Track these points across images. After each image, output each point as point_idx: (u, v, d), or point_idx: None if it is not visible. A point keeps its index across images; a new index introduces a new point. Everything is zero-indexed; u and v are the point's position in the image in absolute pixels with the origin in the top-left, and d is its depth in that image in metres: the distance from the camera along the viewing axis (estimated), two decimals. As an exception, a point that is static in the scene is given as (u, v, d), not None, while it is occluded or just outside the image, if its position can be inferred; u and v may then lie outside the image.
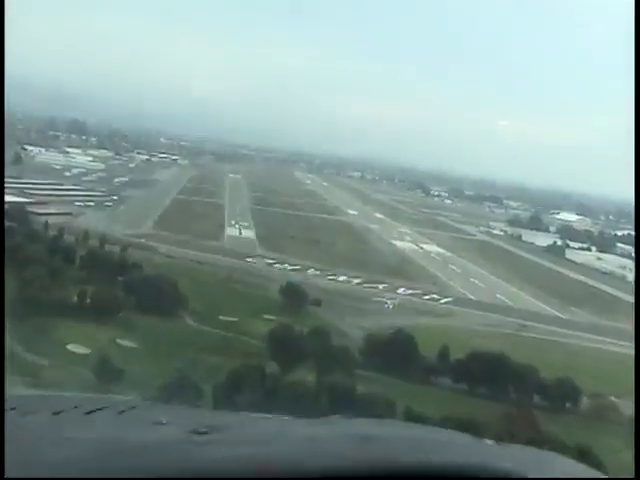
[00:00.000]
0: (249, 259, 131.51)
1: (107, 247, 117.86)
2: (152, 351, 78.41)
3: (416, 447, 1.71)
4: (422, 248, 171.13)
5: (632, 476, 1.74)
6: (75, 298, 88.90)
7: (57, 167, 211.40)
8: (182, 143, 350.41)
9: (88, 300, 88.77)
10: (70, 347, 77.11)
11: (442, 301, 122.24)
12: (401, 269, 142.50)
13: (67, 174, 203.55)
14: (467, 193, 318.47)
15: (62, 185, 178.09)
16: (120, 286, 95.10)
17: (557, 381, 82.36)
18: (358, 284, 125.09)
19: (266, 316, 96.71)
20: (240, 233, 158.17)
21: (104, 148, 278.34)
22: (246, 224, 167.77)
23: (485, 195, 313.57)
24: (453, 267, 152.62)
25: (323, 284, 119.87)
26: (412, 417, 58.45)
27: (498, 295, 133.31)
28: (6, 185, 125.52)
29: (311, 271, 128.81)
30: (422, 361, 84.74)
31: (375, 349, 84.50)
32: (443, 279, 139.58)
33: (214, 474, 1.51)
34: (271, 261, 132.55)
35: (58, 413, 1.77)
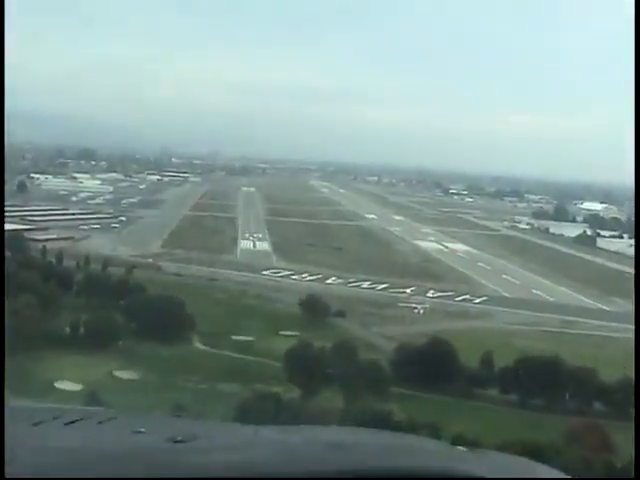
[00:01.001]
0: (265, 272, 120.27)
1: (110, 270, 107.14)
2: (153, 383, 67.35)
3: (385, 453, 1.71)
4: (447, 247, 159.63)
5: (632, 476, 1.50)
6: (68, 328, 78.16)
7: (63, 193, 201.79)
8: (194, 162, 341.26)
9: (82, 329, 77.94)
10: (58, 384, 65.96)
11: (476, 301, 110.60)
12: (428, 271, 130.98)
13: (74, 199, 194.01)
14: (487, 190, 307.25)
15: (67, 210, 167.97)
16: (120, 311, 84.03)
17: (618, 383, 70.20)
18: (383, 290, 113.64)
19: (285, 332, 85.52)
20: (254, 246, 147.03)
21: (114, 171, 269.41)
22: (260, 236, 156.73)
23: (505, 190, 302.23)
24: (482, 264, 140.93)
25: (346, 293, 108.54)
26: (465, 443, 46.70)
27: (534, 291, 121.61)
28: (6, 214, 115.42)
29: (332, 280, 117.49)
30: (463, 371, 72.98)
31: (409, 361, 72.76)
32: (474, 278, 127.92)
33: None
34: (289, 272, 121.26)
35: (38, 424, 1.79)
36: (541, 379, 70.59)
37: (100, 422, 2.08)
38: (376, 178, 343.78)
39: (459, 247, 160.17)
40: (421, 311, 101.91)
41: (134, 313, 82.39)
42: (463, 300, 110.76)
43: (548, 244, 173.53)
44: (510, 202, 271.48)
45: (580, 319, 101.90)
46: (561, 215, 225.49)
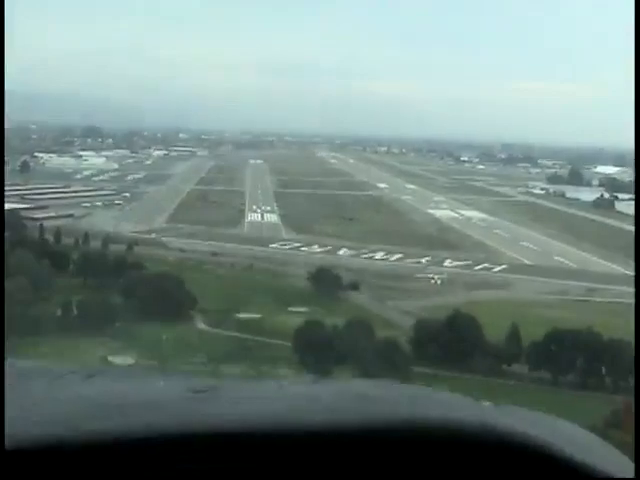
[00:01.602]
0: (273, 245, 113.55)
1: (110, 247, 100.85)
2: (151, 367, 60.59)
3: (417, 405, 1.70)
4: (462, 215, 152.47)
5: (632, 476, 1.57)
6: (59, 309, 71.75)
7: (67, 171, 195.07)
8: (202, 137, 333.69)
9: (75, 311, 71.45)
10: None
11: (495, 270, 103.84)
12: (443, 239, 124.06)
13: (77, 176, 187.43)
14: (499, 157, 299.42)
15: (68, 188, 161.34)
16: (117, 290, 77.45)
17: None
18: (398, 260, 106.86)
19: (294, 308, 78.95)
20: (262, 218, 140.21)
21: (120, 148, 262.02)
22: (269, 208, 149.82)
23: (517, 157, 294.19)
24: (499, 232, 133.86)
25: (359, 264, 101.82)
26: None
27: (556, 257, 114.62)
28: (6, 194, 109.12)
29: (343, 251, 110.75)
30: (490, 347, 66.08)
31: (430, 338, 66.01)
32: (492, 246, 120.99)
33: (214, 429, 1.52)
34: (298, 244, 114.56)
35: (57, 378, 1.86)
36: (573, 354, 64.01)
37: (120, 376, 2.07)
38: (385, 148, 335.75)
39: (474, 214, 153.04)
40: (438, 282, 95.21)
41: (132, 292, 75.81)
42: (482, 269, 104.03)
43: (565, 209, 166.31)
44: (523, 168, 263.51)
45: (607, 286, 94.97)
46: (576, 179, 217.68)
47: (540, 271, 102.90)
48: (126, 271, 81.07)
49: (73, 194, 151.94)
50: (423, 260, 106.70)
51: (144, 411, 1.60)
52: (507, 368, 65.29)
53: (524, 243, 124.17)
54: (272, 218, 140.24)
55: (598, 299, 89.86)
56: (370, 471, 1.55)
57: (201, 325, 75.04)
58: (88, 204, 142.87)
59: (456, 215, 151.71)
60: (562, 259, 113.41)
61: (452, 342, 64.18)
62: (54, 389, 1.80)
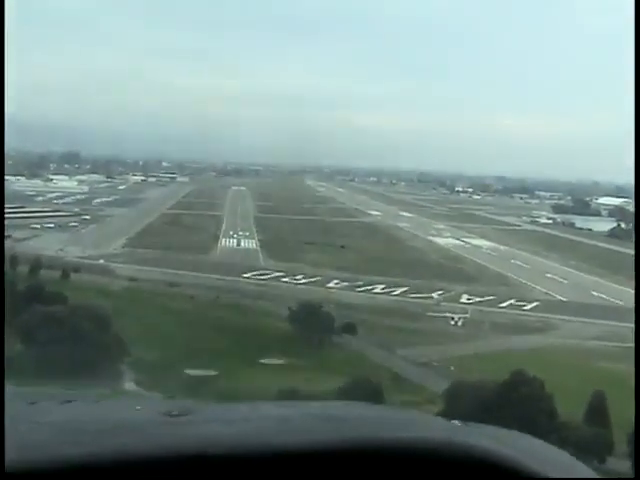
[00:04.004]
0: (247, 274, 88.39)
1: (41, 274, 76.08)
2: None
3: (384, 425, 1.70)
4: (469, 243, 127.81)
5: (632, 476, 1.62)
6: None
7: (29, 193, 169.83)
8: (184, 165, 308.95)
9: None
10: None
11: (527, 307, 79.11)
12: (455, 270, 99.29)
13: (39, 199, 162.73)
14: (493, 188, 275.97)
15: (22, 208, 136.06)
16: (16, 330, 51.89)
17: None
18: (403, 295, 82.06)
19: (267, 360, 54.11)
20: (238, 244, 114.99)
21: (96, 173, 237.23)
22: (247, 233, 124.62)
23: (513, 188, 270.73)
24: (517, 262, 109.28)
25: (354, 299, 77.15)
26: None
27: (594, 293, 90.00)
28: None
29: (335, 283, 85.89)
30: (570, 432, 40.66)
31: (476, 412, 40.50)
32: (513, 278, 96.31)
33: (187, 452, 1.51)
34: (278, 274, 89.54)
35: (34, 403, 1.90)
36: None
37: (97, 401, 2.02)
38: (375, 179, 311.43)
39: (482, 243, 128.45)
40: (459, 322, 70.37)
41: (31, 335, 50.51)
42: (510, 307, 79.31)
43: (580, 239, 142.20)
44: (520, 199, 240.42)
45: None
46: (582, 209, 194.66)
47: (581, 309, 78.40)
48: (33, 305, 55.24)
49: (24, 214, 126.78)
50: (434, 295, 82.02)
51: (118, 435, 1.57)
52: (600, 466, 39.73)
53: (549, 275, 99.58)
54: (250, 244, 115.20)
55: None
56: None
57: (129, 385, 49.46)
58: (37, 225, 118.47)
59: (462, 243, 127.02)
60: (601, 294, 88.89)
61: (510, 421, 38.76)
62: (30, 414, 1.77)
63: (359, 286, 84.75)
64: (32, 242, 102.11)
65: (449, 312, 73.57)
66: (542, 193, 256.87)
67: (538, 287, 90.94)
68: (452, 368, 53.02)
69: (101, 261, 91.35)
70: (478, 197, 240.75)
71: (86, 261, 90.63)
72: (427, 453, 1.55)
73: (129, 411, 1.82)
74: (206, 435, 1.56)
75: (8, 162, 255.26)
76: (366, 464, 1.53)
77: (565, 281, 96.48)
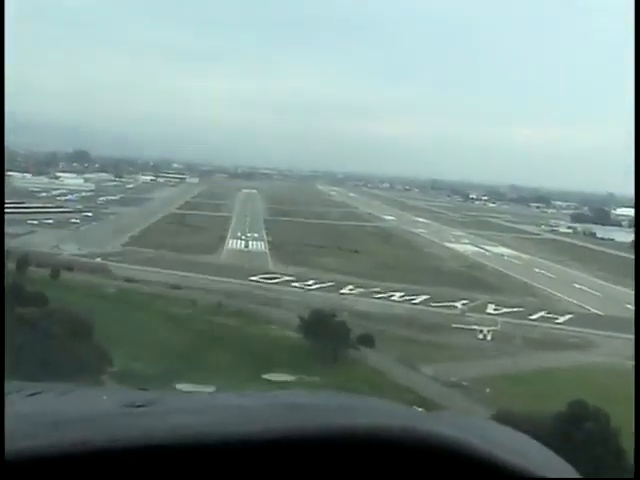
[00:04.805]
0: (254, 277, 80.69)
1: (29, 272, 68.78)
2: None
3: (345, 412, 1.69)
4: (489, 251, 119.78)
5: (632, 476, 1.63)
6: None
7: (33, 189, 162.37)
8: (196, 167, 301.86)
9: None
10: None
11: (560, 320, 71.16)
12: (477, 278, 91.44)
13: (42, 195, 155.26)
14: (508, 196, 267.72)
15: (22, 204, 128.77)
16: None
17: None
18: (424, 303, 74.20)
19: (272, 376, 46.17)
20: (246, 246, 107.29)
21: (104, 172, 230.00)
22: (256, 235, 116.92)
23: (528, 197, 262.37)
24: (541, 271, 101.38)
25: (371, 307, 69.31)
26: None
27: (628, 306, 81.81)
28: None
29: (349, 289, 78.15)
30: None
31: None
32: (541, 288, 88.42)
33: (149, 442, 1.52)
34: (288, 278, 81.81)
35: None
36: None
37: (62, 394, 1.99)
38: (388, 185, 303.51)
39: (503, 251, 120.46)
40: (488, 336, 62.43)
41: (8, 339, 42.60)
42: (541, 319, 71.39)
43: (603, 249, 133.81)
44: (537, 208, 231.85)
45: None
46: (603, 219, 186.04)
47: (618, 324, 70.02)
48: (5, 306, 47.53)
49: (23, 210, 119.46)
50: (458, 304, 74.07)
51: (80, 426, 1.57)
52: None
53: (577, 286, 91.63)
54: (258, 246, 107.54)
55: None
56: (298, 478, 1.53)
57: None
58: (35, 221, 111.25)
59: (482, 251, 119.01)
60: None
61: (579, 467, 30.76)
62: None
63: (375, 293, 76.97)
64: (26, 238, 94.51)
65: (476, 324, 65.69)
66: (558, 202, 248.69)
67: (568, 298, 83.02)
68: (487, 390, 45.22)
69: (98, 259, 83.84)
70: (493, 205, 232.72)
71: (82, 259, 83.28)
72: (387, 440, 1.55)
73: (93, 403, 1.79)
74: (169, 425, 1.56)
75: (17, 159, 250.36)
76: (326, 451, 1.54)
77: (596, 293, 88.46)
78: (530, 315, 72.29)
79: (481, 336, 62.17)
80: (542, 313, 73.52)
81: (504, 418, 35.45)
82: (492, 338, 61.93)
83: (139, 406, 1.67)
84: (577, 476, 1.72)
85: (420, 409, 1.80)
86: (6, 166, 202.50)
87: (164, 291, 69.17)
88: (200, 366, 46.87)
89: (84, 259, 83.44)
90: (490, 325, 64.83)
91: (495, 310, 72.92)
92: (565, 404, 36.74)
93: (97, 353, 43.18)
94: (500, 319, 68.22)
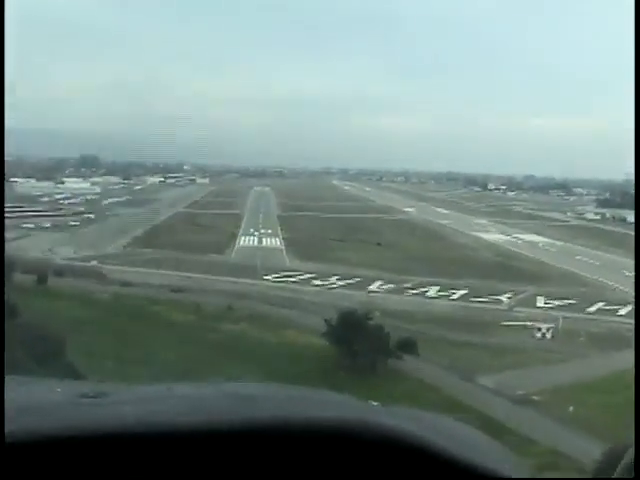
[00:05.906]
0: (269, 277, 70.49)
1: (14, 277, 58.49)
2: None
3: (298, 404, 1.67)
4: (520, 239, 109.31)
5: (632, 476, 1.61)
6: None
7: (35, 193, 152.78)
8: (206, 168, 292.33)
9: None
10: None
11: (621, 313, 60.55)
12: (516, 269, 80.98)
13: (44, 199, 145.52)
14: (526, 185, 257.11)
15: (20, 207, 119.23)
16: None
17: None
18: (464, 299, 63.86)
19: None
20: (259, 242, 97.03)
21: (113, 175, 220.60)
22: (270, 231, 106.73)
23: (548, 185, 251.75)
24: (582, 258, 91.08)
25: (406, 306, 59.08)
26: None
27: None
28: None
29: (377, 285, 67.91)
30: None
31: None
32: (590, 277, 78.03)
33: (100, 432, 1.49)
34: (308, 276, 71.61)
35: None
36: None
37: (19, 385, 1.94)
38: (403, 178, 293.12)
39: (535, 238, 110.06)
40: (548, 334, 52.03)
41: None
42: (600, 312, 61.07)
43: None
44: (557, 196, 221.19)
45: None
46: (631, 204, 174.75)
47: (690, 313, 59.70)
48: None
49: (19, 213, 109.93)
50: (503, 298, 63.83)
51: (31, 416, 1.55)
52: None
53: (627, 273, 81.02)
54: (273, 242, 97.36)
55: None
56: (249, 469, 1.53)
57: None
58: (31, 225, 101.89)
59: (513, 239, 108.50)
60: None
61: None
62: None
63: (407, 288, 66.70)
64: (18, 243, 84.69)
65: (528, 320, 55.37)
66: (579, 189, 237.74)
67: (622, 287, 72.51)
68: (571, 409, 34.90)
69: (93, 262, 73.94)
70: (512, 194, 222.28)
71: (75, 263, 73.43)
72: (341, 433, 1.53)
73: (46, 394, 1.74)
74: (120, 416, 1.53)
75: (24, 166, 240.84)
76: (279, 444, 1.52)
77: (651, 280, 77.97)
78: (587, 307, 61.94)
79: (539, 335, 51.82)
80: (600, 305, 63.17)
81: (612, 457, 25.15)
82: (552, 337, 51.58)
83: (91, 397, 1.63)
84: (529, 471, 1.71)
85: (373, 402, 1.74)
86: (12, 173, 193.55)
87: (164, 295, 59.01)
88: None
89: (78, 263, 73.61)
90: (546, 322, 54.45)
91: (546, 303, 62.55)
92: None
93: (68, 373, 33.08)
94: (554, 313, 57.84)
